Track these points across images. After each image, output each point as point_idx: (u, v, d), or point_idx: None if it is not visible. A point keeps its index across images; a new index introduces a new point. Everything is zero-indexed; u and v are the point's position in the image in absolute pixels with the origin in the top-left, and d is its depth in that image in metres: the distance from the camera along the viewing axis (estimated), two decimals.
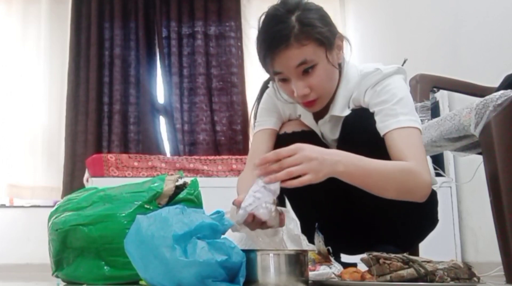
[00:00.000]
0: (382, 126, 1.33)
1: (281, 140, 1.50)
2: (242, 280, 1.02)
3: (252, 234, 1.26)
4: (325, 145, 1.51)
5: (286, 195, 1.55)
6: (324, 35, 1.33)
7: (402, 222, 1.41)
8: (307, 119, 1.51)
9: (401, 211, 1.36)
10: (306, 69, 1.32)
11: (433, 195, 1.50)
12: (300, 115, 1.53)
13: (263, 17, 1.36)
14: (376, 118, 1.35)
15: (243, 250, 1.05)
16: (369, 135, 1.35)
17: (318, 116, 1.49)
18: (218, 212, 1.12)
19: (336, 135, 1.47)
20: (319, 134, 1.51)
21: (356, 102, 1.43)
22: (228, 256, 1.00)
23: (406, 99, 1.36)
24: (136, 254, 1.09)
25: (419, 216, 1.43)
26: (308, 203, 1.49)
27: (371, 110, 1.38)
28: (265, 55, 1.34)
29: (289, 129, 1.51)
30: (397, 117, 1.31)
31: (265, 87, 1.62)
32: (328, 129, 1.48)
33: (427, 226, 1.52)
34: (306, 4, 1.36)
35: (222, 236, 1.08)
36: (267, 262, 1.04)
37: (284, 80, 1.37)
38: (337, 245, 1.34)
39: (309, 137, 1.49)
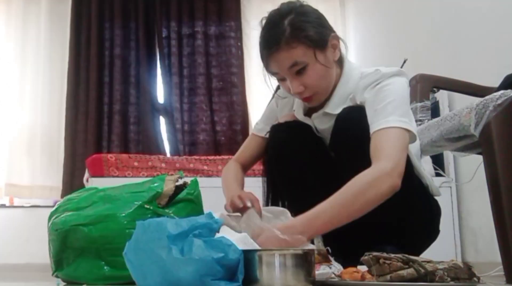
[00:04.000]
0: (372, 125, 1.34)
1: (274, 130, 1.56)
2: (241, 277, 1.02)
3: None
4: (319, 138, 1.54)
5: (285, 195, 1.56)
6: (313, 38, 1.38)
7: (401, 231, 1.42)
8: (299, 115, 1.57)
9: (400, 220, 1.37)
10: (299, 70, 1.39)
11: (434, 206, 1.50)
12: (294, 111, 1.59)
13: (263, 21, 1.44)
14: (369, 115, 1.37)
15: (248, 250, 1.05)
16: (361, 131, 1.37)
17: (313, 110, 1.53)
18: (208, 213, 1.14)
19: (329, 130, 1.49)
20: (314, 128, 1.55)
21: (353, 101, 1.46)
22: (224, 254, 1.00)
23: (402, 100, 1.36)
24: (134, 262, 1.09)
25: (419, 226, 1.44)
26: (306, 205, 1.49)
27: (366, 109, 1.39)
28: (262, 57, 1.43)
29: (282, 120, 1.58)
30: (387, 117, 1.32)
31: (278, 88, 1.68)
32: (321, 124, 1.52)
33: (427, 236, 1.52)
34: (301, 7, 1.42)
35: (222, 236, 1.08)
36: (273, 262, 1.04)
37: (282, 79, 1.45)
38: (336, 246, 1.34)
39: (301, 128, 1.53)
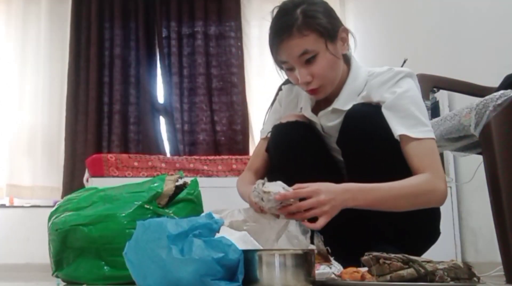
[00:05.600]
0: (397, 127, 1.37)
1: (275, 129, 1.56)
2: (241, 277, 1.02)
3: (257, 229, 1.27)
4: (321, 138, 1.55)
5: None
6: (325, 26, 1.40)
7: (401, 232, 1.42)
8: (307, 112, 1.56)
9: (400, 221, 1.38)
10: (308, 59, 1.40)
11: (435, 208, 1.50)
12: (301, 109, 1.58)
13: (275, 10, 1.45)
14: (393, 119, 1.38)
15: (248, 250, 1.05)
16: (371, 128, 1.39)
17: (319, 108, 1.53)
18: (208, 213, 1.14)
19: (336, 128, 1.49)
20: (319, 127, 1.54)
21: (367, 99, 1.46)
22: (224, 254, 1.00)
23: (423, 108, 1.42)
24: (134, 262, 1.09)
25: (418, 228, 1.45)
26: None
27: (385, 110, 1.40)
28: (272, 44, 1.44)
29: (284, 120, 1.56)
30: (418, 127, 1.36)
31: (279, 91, 1.69)
32: (328, 121, 1.51)
33: (427, 237, 1.52)
34: None
35: (222, 236, 1.08)
36: (273, 262, 1.03)
37: (290, 69, 1.45)
38: (336, 246, 1.34)
39: (303, 127, 1.53)
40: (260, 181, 1.31)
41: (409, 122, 1.36)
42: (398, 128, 1.37)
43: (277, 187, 1.26)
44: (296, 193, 1.25)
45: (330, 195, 1.25)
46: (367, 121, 1.40)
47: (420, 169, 1.34)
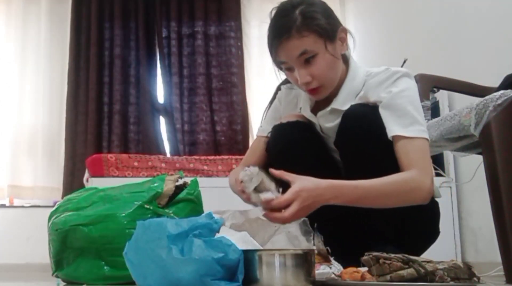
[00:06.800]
0: (393, 127, 1.37)
1: (275, 129, 1.56)
2: (241, 277, 1.02)
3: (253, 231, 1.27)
4: (321, 138, 1.55)
5: None
6: (324, 27, 1.40)
7: (401, 232, 1.42)
8: (306, 112, 1.56)
9: (400, 221, 1.38)
10: (308, 59, 1.40)
11: (435, 208, 1.50)
12: (300, 109, 1.58)
13: (273, 11, 1.45)
14: (389, 119, 1.38)
15: (248, 250, 1.05)
16: (368, 129, 1.39)
17: (318, 109, 1.53)
18: (208, 213, 1.14)
19: (334, 129, 1.49)
20: (318, 127, 1.54)
21: (364, 99, 1.46)
22: (224, 254, 1.01)
23: (420, 108, 1.41)
24: (134, 262, 1.09)
25: (418, 228, 1.45)
26: None
27: (382, 109, 1.40)
28: (271, 45, 1.44)
29: (284, 120, 1.56)
30: (413, 126, 1.36)
31: (277, 90, 1.69)
32: (327, 122, 1.51)
33: (427, 237, 1.52)
34: None
35: (222, 236, 1.08)
36: (273, 262, 1.04)
37: (289, 69, 1.45)
38: (336, 246, 1.34)
39: (304, 127, 1.53)
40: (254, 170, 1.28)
41: (404, 121, 1.36)
42: (392, 128, 1.37)
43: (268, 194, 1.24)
44: (278, 204, 1.21)
45: (309, 199, 1.22)
46: (365, 121, 1.40)
47: (407, 166, 1.33)
